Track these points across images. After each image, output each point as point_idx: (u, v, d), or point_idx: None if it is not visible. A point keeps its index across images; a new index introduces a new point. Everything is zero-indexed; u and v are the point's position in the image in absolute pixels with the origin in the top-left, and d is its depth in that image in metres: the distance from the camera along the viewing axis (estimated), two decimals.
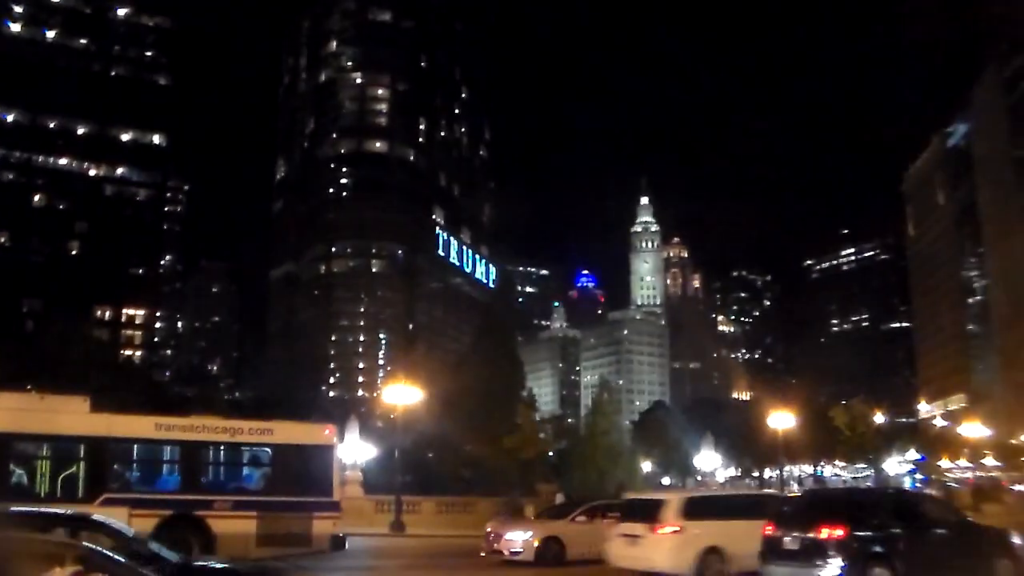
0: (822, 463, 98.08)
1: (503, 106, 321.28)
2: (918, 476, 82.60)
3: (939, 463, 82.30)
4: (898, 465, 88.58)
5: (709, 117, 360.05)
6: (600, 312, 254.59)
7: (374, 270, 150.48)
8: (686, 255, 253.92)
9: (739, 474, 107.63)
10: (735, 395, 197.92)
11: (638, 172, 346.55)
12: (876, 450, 77.45)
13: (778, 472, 68.52)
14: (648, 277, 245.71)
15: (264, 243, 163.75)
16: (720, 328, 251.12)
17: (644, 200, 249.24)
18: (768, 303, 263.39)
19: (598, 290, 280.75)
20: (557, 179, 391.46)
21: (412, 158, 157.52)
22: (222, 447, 19.10)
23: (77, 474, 17.42)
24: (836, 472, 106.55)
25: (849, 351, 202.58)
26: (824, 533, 13.27)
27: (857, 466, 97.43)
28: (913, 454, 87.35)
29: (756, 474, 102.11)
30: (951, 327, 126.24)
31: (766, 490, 45.45)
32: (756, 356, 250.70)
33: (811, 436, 70.07)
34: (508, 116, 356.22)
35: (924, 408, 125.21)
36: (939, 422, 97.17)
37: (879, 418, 75.64)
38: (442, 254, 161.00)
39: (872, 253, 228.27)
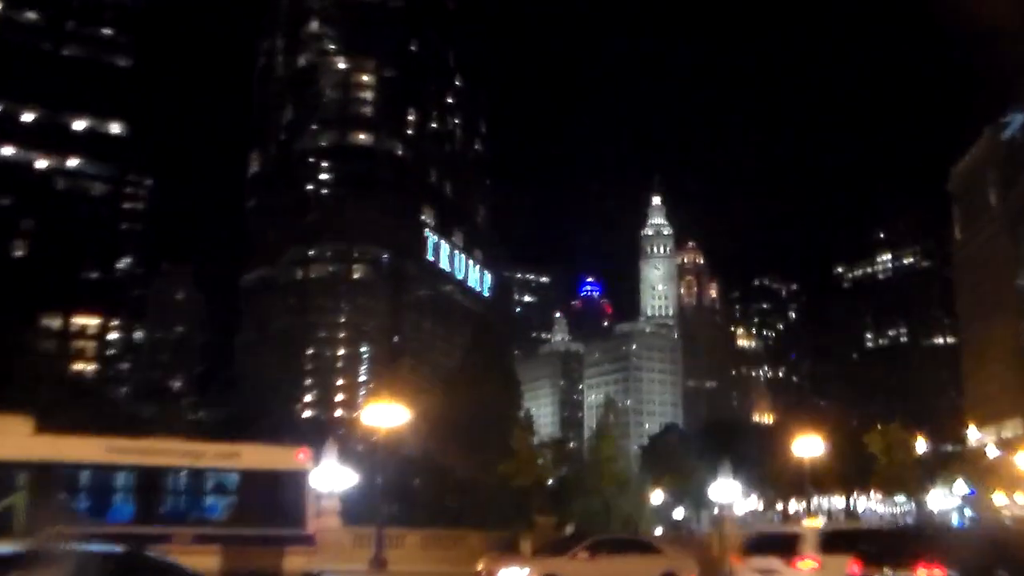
0: (855, 495, 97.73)
1: (501, 96, 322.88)
2: (967, 512, 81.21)
3: (992, 498, 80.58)
4: (943, 499, 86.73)
5: (728, 108, 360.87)
6: (606, 324, 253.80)
7: (356, 276, 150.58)
8: (702, 261, 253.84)
9: (761, 508, 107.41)
10: (756, 418, 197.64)
11: (649, 169, 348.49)
12: (917, 481, 76.34)
13: (804, 504, 68.34)
14: (659, 286, 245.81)
15: (235, 245, 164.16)
16: (739, 343, 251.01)
17: (656, 200, 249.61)
18: (793, 315, 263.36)
19: (604, 299, 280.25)
20: (559, 177, 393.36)
21: (400, 152, 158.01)
22: (183, 473, 18.91)
23: (15, 504, 17.16)
24: (871, 506, 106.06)
25: (886, 369, 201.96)
26: (921, 573, 13.17)
27: (895, 499, 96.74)
28: (961, 487, 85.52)
29: (780, 507, 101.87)
30: (1004, 342, 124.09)
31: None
32: (780, 374, 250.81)
33: (842, 465, 69.63)
34: (506, 107, 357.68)
35: (973, 435, 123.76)
36: (991, 451, 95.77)
37: (921, 445, 74.24)
38: (432, 259, 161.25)
39: (912, 259, 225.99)
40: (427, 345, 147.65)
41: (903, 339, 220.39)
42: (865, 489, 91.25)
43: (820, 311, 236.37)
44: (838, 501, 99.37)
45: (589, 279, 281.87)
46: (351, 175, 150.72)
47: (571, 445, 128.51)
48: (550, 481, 70.59)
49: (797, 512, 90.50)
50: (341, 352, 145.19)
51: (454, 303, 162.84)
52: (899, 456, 68.11)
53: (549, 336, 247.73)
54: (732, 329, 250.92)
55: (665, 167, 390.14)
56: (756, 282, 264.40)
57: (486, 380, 74.15)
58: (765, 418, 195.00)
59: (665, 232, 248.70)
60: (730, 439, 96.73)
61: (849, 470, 74.50)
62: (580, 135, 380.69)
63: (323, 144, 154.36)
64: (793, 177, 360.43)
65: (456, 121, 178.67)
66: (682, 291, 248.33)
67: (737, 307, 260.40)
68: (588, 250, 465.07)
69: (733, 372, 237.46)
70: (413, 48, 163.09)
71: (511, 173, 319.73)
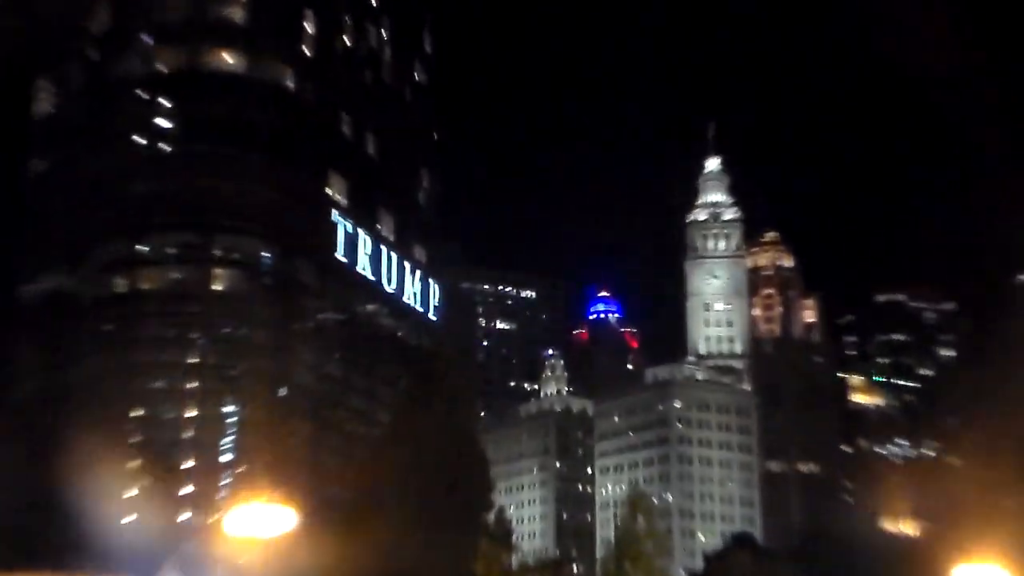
0: None
1: None
2: None
3: None
4: None
5: (827, 27, 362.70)
6: (630, 367, 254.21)
7: (218, 288, 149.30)
8: (789, 263, 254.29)
9: None
10: (887, 526, 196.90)
11: (702, 115, 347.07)
12: None
13: None
14: (719, 304, 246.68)
15: (7, 236, 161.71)
16: (855, 398, 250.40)
17: (712, 164, 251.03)
18: (948, 353, 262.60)
19: (626, 327, 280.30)
20: (553, 128, 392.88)
21: (290, 85, 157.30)
22: None
23: None
24: None
25: None
26: None
27: None
28: None
29: None
30: None
31: None
32: (927, 451, 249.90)
33: None
34: (469, 12, 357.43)
35: None
36: None
37: None
38: (343, 259, 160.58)
39: None
40: (334, 401, 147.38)
41: None
42: None
43: (996, 345, 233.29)
44: None
45: (602, 293, 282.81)
46: (209, 122, 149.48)
47: (575, 569, 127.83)
48: None
49: None
50: (191, 413, 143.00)
51: (380, 332, 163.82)
52: None
53: (537, 387, 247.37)
54: (842, 377, 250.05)
55: (726, 112, 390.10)
56: (881, 298, 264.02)
57: (433, 460, 73.22)
58: (902, 527, 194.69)
59: (727, 216, 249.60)
60: (842, 561, 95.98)
61: None
62: (588, 60, 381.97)
63: (161, 70, 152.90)
64: (935, 128, 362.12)
65: (383, 34, 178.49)
66: (757, 312, 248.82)
67: (852, 339, 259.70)
68: (600, 247, 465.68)
69: (846, 448, 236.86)
70: None
71: (475, 121, 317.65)
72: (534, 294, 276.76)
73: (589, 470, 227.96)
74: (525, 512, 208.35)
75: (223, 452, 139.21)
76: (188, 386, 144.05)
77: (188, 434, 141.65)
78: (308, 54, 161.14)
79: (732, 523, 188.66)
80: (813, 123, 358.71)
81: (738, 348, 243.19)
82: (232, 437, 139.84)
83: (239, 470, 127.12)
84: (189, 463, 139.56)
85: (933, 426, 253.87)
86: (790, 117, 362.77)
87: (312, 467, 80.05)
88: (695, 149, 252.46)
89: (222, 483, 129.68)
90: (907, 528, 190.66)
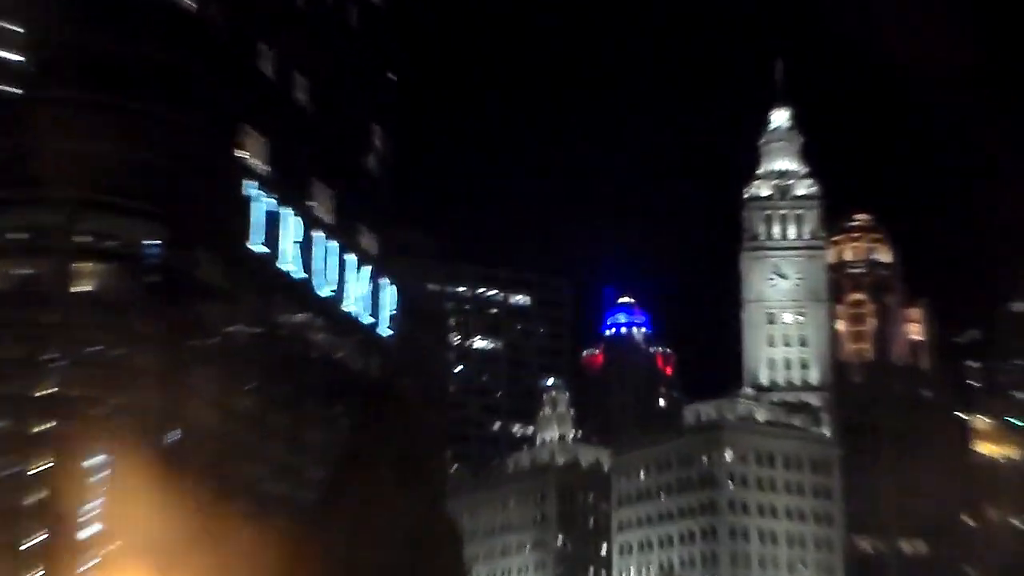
0: None
1: None
2: None
3: None
4: None
5: None
6: (662, 402, 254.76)
7: (80, 288, 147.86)
8: (887, 259, 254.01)
9: None
10: None
11: (766, 50, 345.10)
12: None
13: None
14: (788, 315, 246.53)
15: None
16: (981, 448, 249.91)
17: (778, 118, 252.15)
18: None
19: (655, 345, 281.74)
20: (557, 81, 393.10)
21: (189, 2, 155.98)
22: None
23: None
24: None
25: None
26: None
27: None
28: None
29: None
30: None
31: None
32: None
33: None
34: None
35: None
36: None
37: None
38: (260, 250, 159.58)
39: None
40: (247, 450, 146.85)
41: None
42: None
43: None
44: None
45: (623, 299, 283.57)
46: (70, 53, 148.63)
47: None
48: None
49: None
50: (41, 467, 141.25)
51: (311, 352, 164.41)
52: None
53: (531, 430, 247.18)
54: (963, 417, 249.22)
55: (795, 50, 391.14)
56: (1016, 307, 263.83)
57: (385, 534, 71.78)
58: None
59: (800, 191, 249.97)
60: None
61: None
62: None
63: None
64: None
65: None
66: (841, 326, 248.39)
67: (974, 365, 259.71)
68: (620, 236, 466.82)
69: (967, 518, 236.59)
70: None
71: (448, 56, 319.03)
72: (529, 300, 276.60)
73: (604, 548, 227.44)
74: None
75: (85, 523, 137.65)
76: (36, 429, 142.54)
77: (36, 497, 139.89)
78: None
79: None
80: (913, 63, 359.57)
81: (814, 377, 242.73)
82: (99, 502, 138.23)
83: (107, 549, 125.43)
84: (37, 539, 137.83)
85: None
86: (883, 53, 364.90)
87: (211, 545, 77.96)
88: (756, 98, 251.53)
89: (84, 567, 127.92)
90: None
